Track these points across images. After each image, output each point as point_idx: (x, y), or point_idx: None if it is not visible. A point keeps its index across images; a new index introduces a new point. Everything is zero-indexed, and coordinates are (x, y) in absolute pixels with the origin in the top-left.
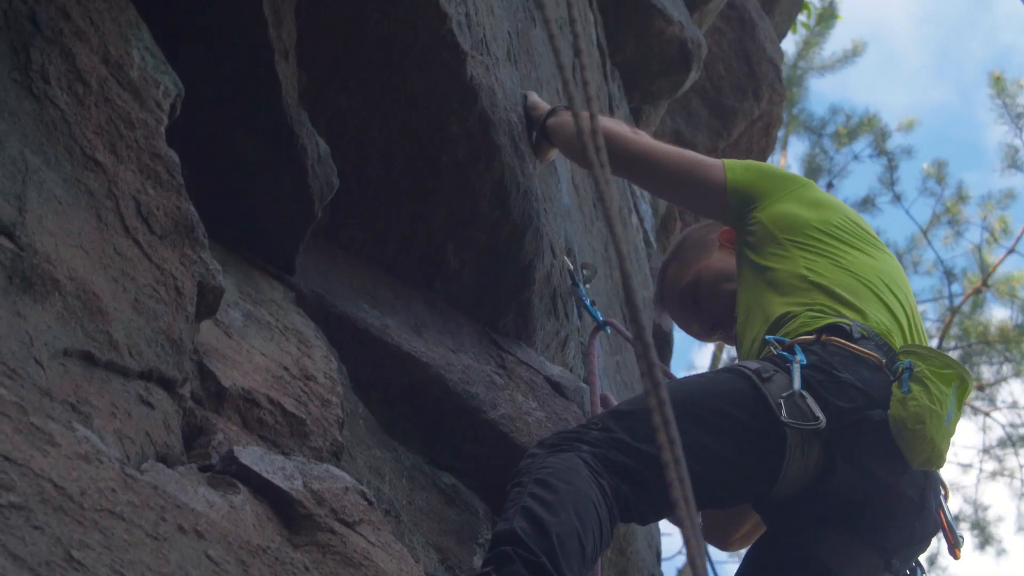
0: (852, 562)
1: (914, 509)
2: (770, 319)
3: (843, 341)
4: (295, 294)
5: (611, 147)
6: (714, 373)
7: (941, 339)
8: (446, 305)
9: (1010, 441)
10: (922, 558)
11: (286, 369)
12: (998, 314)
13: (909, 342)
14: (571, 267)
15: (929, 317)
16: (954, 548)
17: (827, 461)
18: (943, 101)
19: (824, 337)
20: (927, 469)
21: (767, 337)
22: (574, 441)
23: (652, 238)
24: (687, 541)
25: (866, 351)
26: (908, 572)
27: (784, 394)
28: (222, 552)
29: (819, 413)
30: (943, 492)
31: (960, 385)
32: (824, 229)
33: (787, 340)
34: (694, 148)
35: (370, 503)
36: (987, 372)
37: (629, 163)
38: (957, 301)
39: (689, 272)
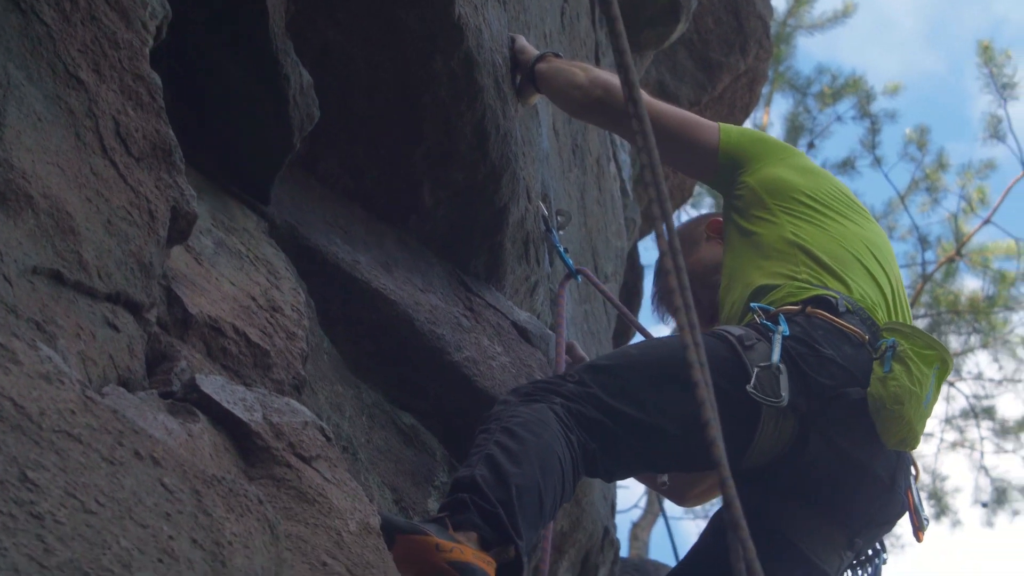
0: (815, 537)
1: (883, 489)
2: (753, 284)
3: (828, 315)
4: (268, 224)
5: (612, 101)
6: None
7: (912, 305)
8: (418, 244)
9: (973, 412)
10: (885, 538)
11: (254, 299)
12: (970, 284)
13: (893, 315)
14: (546, 213)
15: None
16: (918, 531)
17: (801, 435)
18: (932, 69)
19: (809, 309)
20: (901, 449)
21: (752, 305)
22: (548, 392)
23: (629, 188)
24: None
25: (850, 327)
26: (871, 551)
27: (762, 363)
28: (177, 480)
29: (784, 392)
30: (913, 473)
31: (941, 366)
32: (813, 195)
33: (771, 309)
34: (677, 100)
35: (328, 439)
36: (955, 342)
37: (626, 119)
38: (930, 268)
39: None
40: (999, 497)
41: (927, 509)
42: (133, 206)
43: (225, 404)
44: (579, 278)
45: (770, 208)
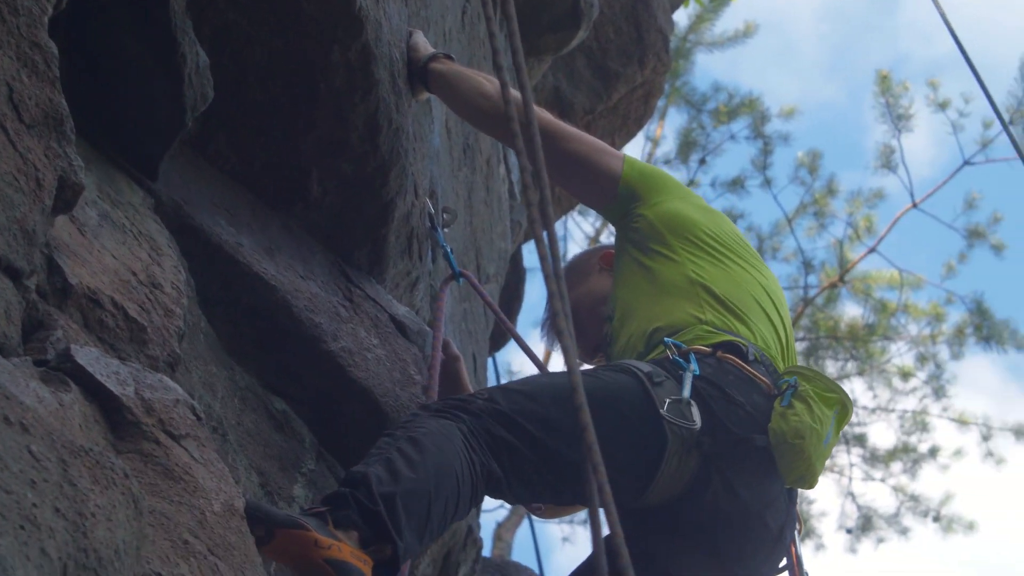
0: None
1: (771, 540)
2: (655, 320)
3: (739, 361)
4: (154, 200)
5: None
6: (603, 368)
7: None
8: (303, 231)
9: (844, 439)
10: None
11: (134, 274)
12: (850, 311)
13: (785, 361)
14: (432, 210)
15: None
16: None
17: (702, 475)
18: (830, 98)
19: (720, 354)
20: (799, 487)
21: (667, 340)
22: (457, 409)
23: (517, 190)
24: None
25: (759, 376)
26: None
27: (672, 397)
28: (44, 449)
29: (696, 419)
30: (798, 527)
31: (841, 410)
32: (713, 235)
33: (683, 346)
34: (572, 107)
35: (198, 418)
36: (831, 367)
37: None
38: (812, 292)
39: (571, 297)
40: (864, 524)
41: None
42: (20, 173)
43: (98, 376)
44: (460, 280)
45: (670, 244)
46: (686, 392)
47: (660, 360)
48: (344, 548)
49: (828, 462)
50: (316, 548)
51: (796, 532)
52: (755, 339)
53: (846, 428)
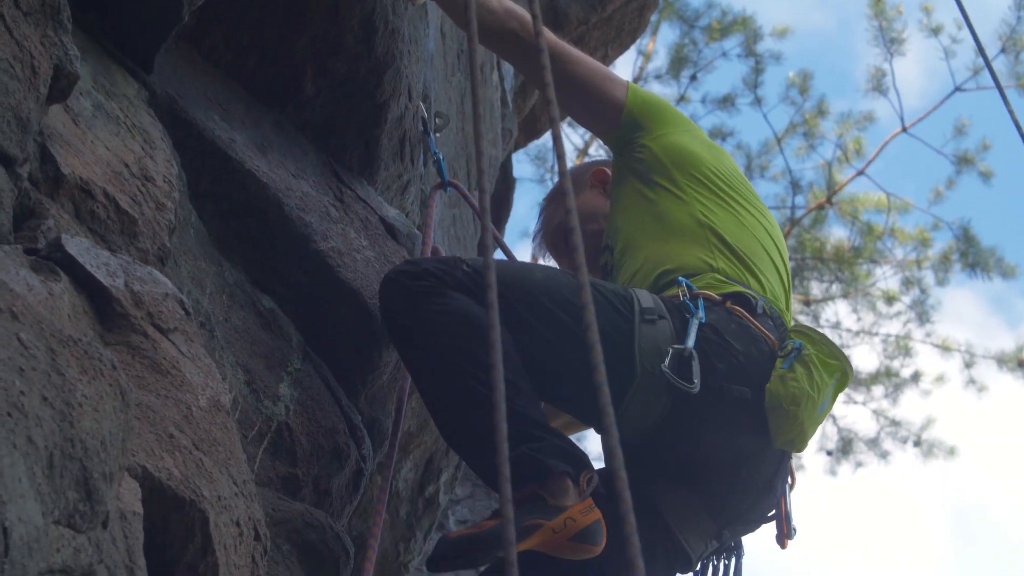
0: (688, 520)
1: (756, 491)
2: (665, 262)
3: (746, 315)
4: (149, 93)
5: (527, 36)
6: (605, 284)
7: None
8: (295, 130)
9: None
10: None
11: (127, 166)
12: (837, 233)
13: (787, 308)
14: (425, 114)
15: None
16: (784, 538)
17: (672, 418)
18: (823, 22)
19: (729, 304)
20: (787, 449)
21: (681, 279)
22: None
23: (509, 99)
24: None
25: (764, 331)
26: (733, 544)
27: (675, 345)
28: (33, 337)
29: (696, 379)
30: (790, 481)
31: (841, 377)
32: (719, 175)
33: (695, 289)
34: (567, 18)
35: (187, 313)
36: (816, 289)
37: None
38: (799, 213)
39: (560, 211)
40: (844, 447)
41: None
42: (16, 60)
43: (88, 267)
44: (448, 190)
45: (676, 180)
46: (690, 342)
47: (668, 298)
48: (574, 512)
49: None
50: (556, 535)
51: (787, 486)
52: (764, 292)
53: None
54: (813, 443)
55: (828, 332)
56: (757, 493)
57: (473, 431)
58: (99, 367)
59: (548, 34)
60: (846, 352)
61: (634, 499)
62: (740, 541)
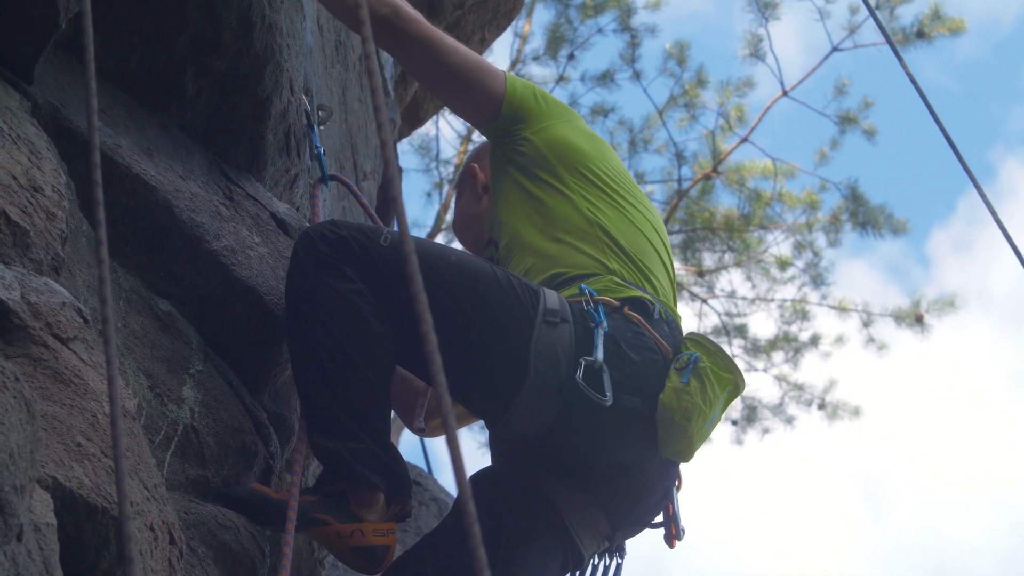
0: (584, 521)
1: (646, 493)
2: (557, 263)
3: (642, 321)
4: (31, 104)
5: (400, 24)
6: (515, 275)
7: (667, 221)
8: (179, 131)
9: (725, 330)
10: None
11: (15, 178)
12: (725, 202)
13: (673, 302)
14: (308, 107)
15: (656, 199)
16: (672, 538)
17: (561, 421)
18: None
19: (627, 310)
20: (673, 459)
21: (583, 287)
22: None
23: (391, 87)
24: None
25: (658, 338)
26: (616, 548)
27: (586, 358)
28: None
29: (608, 392)
30: (677, 483)
31: (732, 391)
32: (603, 168)
33: (595, 294)
34: (441, 3)
35: (86, 321)
36: (708, 259)
37: (413, 45)
38: (686, 185)
39: (459, 202)
40: (749, 416)
41: (683, 519)
42: None
43: None
44: (328, 184)
45: (560, 176)
46: (599, 354)
47: (572, 302)
48: (366, 528)
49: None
50: (339, 539)
51: (675, 488)
52: (658, 294)
53: (726, 319)
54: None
55: (724, 301)
56: (645, 497)
57: (318, 409)
58: (2, 380)
59: (422, 22)
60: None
61: (532, 496)
62: (623, 543)
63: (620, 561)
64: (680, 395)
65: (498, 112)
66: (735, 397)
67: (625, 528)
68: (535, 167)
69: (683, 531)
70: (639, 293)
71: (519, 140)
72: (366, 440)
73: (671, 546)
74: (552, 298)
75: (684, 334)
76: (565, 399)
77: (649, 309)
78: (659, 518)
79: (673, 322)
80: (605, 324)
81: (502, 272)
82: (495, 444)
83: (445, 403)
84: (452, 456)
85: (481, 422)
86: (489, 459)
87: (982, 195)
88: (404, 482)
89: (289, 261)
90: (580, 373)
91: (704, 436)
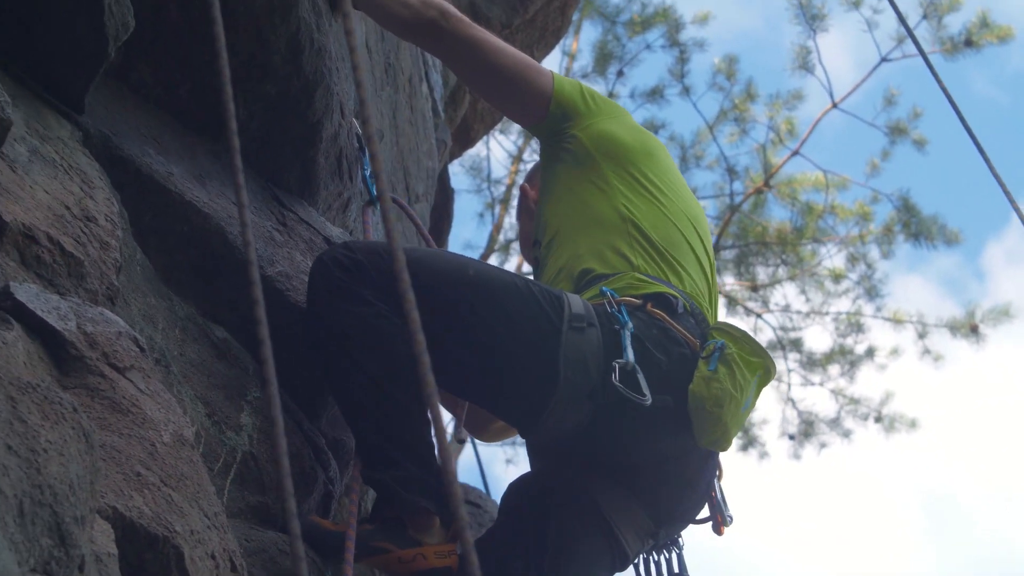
0: (626, 517)
1: (688, 487)
2: (585, 259)
3: (666, 317)
4: (82, 133)
5: (447, 24)
6: (538, 283)
7: (719, 236)
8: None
9: (780, 344)
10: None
11: (68, 208)
12: (778, 215)
13: (711, 298)
14: (359, 130)
15: (709, 214)
16: (720, 525)
17: (595, 424)
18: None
19: (650, 307)
20: (712, 448)
21: (604, 290)
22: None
23: (440, 108)
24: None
25: (684, 332)
26: (670, 541)
27: (618, 361)
28: None
29: (647, 390)
30: (718, 473)
31: (763, 374)
32: (645, 163)
33: (618, 296)
34: (488, 22)
35: (142, 350)
36: (762, 273)
37: (459, 47)
38: (738, 199)
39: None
40: (806, 430)
41: (730, 506)
42: None
43: (39, 312)
44: (378, 206)
45: (601, 171)
46: (630, 355)
47: (596, 305)
48: (428, 552)
49: None
50: (402, 565)
51: (716, 477)
52: (684, 286)
53: (781, 333)
54: (775, 428)
55: (778, 315)
56: (687, 491)
57: (361, 441)
58: (60, 411)
59: (469, 24)
60: (799, 333)
61: (575, 498)
62: (677, 538)
63: (679, 552)
64: (709, 383)
65: (546, 112)
66: (768, 381)
67: (670, 524)
68: (579, 164)
69: (730, 518)
70: (662, 288)
71: (567, 138)
72: (409, 466)
73: (719, 533)
74: (576, 303)
75: (711, 324)
76: (598, 403)
77: (672, 304)
78: (704, 512)
79: (700, 314)
80: (630, 324)
81: (522, 281)
82: (533, 451)
83: (434, 405)
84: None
85: None
86: (517, 470)
87: (1015, 208)
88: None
89: (307, 289)
90: (616, 376)
91: (739, 422)
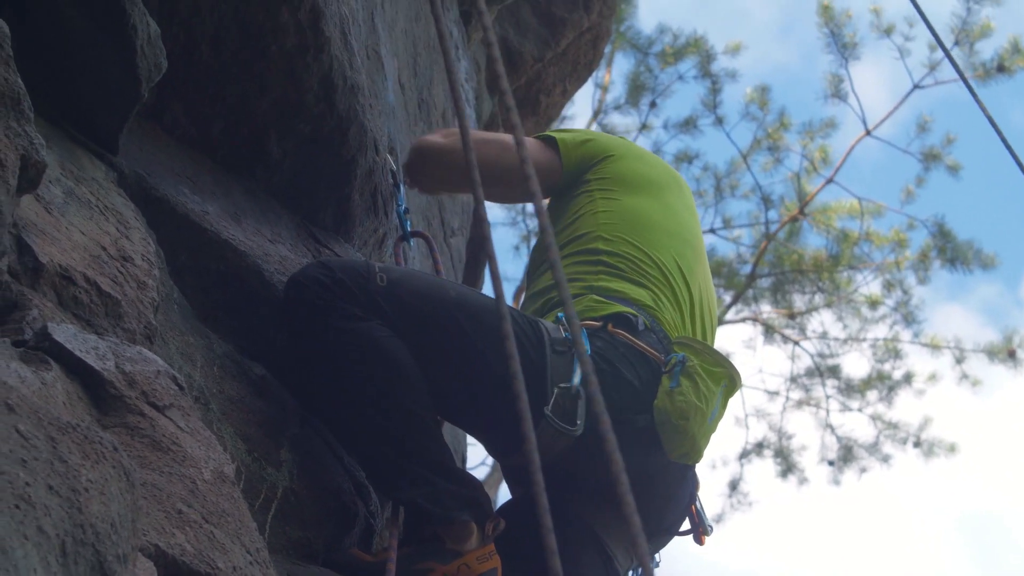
0: (616, 534)
1: (667, 502)
2: (551, 281)
3: (629, 336)
4: (117, 174)
5: (427, 157)
6: (514, 310)
7: (755, 265)
8: (266, 195)
9: (818, 371)
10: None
11: (104, 249)
12: (813, 243)
13: (696, 316)
14: (394, 166)
15: (744, 243)
16: (701, 535)
17: (571, 451)
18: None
19: (611, 328)
20: (683, 462)
21: (560, 315)
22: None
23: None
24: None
25: (649, 349)
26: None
27: (562, 384)
28: (31, 427)
29: (580, 420)
30: (696, 485)
31: (728, 384)
32: (634, 176)
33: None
34: (521, 57)
35: (181, 388)
36: (799, 301)
37: (452, 171)
38: (773, 228)
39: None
40: (845, 455)
41: (710, 514)
42: None
43: (78, 353)
44: (411, 242)
45: (588, 186)
46: (576, 379)
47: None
48: (470, 560)
49: (803, 395)
50: None
51: (695, 489)
52: (648, 302)
53: (819, 360)
54: (814, 454)
55: (816, 342)
56: (671, 504)
57: (377, 465)
58: (100, 451)
59: (445, 146)
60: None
61: (567, 517)
62: (654, 554)
63: (656, 565)
64: (672, 397)
65: (559, 181)
66: (734, 390)
67: (656, 539)
68: (574, 189)
69: (711, 527)
70: (621, 308)
71: (580, 183)
72: (435, 479)
73: (700, 543)
74: (550, 327)
75: (672, 339)
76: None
77: (632, 322)
78: (686, 525)
79: (660, 331)
80: (587, 347)
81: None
82: (514, 476)
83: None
84: None
85: None
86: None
87: None
88: (485, 502)
89: (284, 311)
90: (550, 405)
91: (707, 433)
